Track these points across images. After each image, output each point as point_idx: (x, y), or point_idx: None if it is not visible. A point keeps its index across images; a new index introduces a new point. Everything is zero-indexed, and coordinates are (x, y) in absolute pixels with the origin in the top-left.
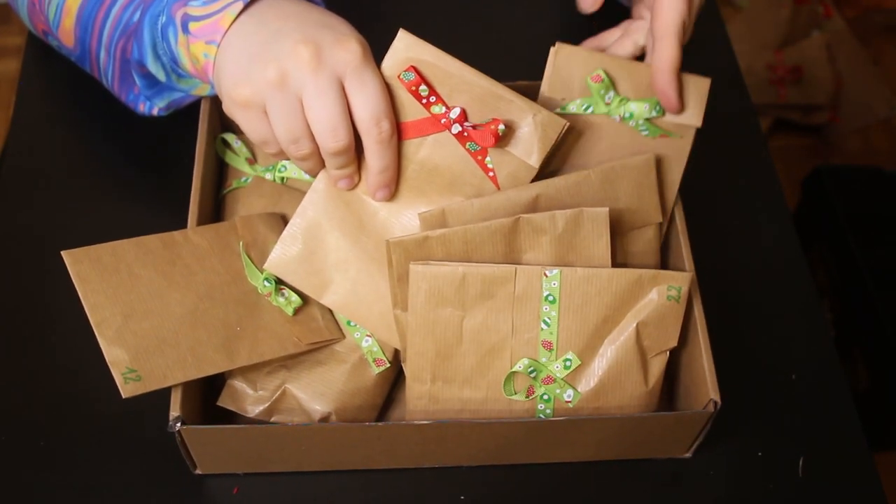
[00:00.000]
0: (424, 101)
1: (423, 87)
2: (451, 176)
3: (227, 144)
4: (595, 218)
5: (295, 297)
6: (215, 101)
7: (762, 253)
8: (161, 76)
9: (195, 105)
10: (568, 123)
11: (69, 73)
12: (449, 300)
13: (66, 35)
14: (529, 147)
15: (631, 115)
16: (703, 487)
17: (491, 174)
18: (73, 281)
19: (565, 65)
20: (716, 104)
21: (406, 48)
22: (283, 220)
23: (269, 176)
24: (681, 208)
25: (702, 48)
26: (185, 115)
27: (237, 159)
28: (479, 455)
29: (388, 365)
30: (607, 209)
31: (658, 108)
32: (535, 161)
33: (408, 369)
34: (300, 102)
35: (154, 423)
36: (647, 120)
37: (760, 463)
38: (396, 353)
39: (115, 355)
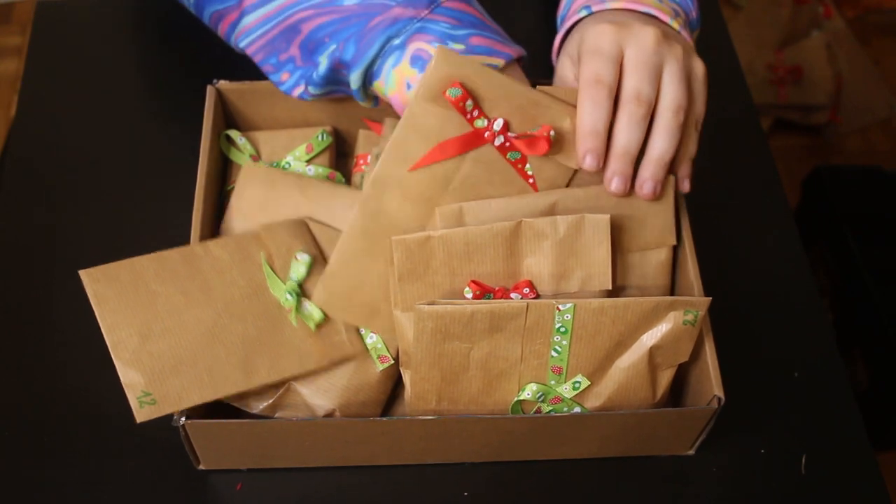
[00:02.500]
0: (469, 115)
1: (468, 102)
2: (492, 189)
3: (230, 141)
4: (596, 224)
5: (317, 312)
6: (219, 98)
7: (764, 252)
8: (355, 85)
9: (199, 102)
10: None
11: (71, 72)
12: (456, 335)
13: None
14: (568, 149)
15: None
16: (705, 484)
17: (531, 181)
18: (91, 301)
19: None
20: (716, 104)
21: (447, 64)
22: (308, 227)
23: None
24: (687, 223)
25: (703, 48)
26: (189, 112)
27: (241, 156)
28: (483, 451)
29: (392, 362)
30: (608, 216)
31: None
32: (575, 163)
33: (411, 391)
34: None
35: (158, 419)
36: None
37: (763, 460)
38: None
39: (130, 378)
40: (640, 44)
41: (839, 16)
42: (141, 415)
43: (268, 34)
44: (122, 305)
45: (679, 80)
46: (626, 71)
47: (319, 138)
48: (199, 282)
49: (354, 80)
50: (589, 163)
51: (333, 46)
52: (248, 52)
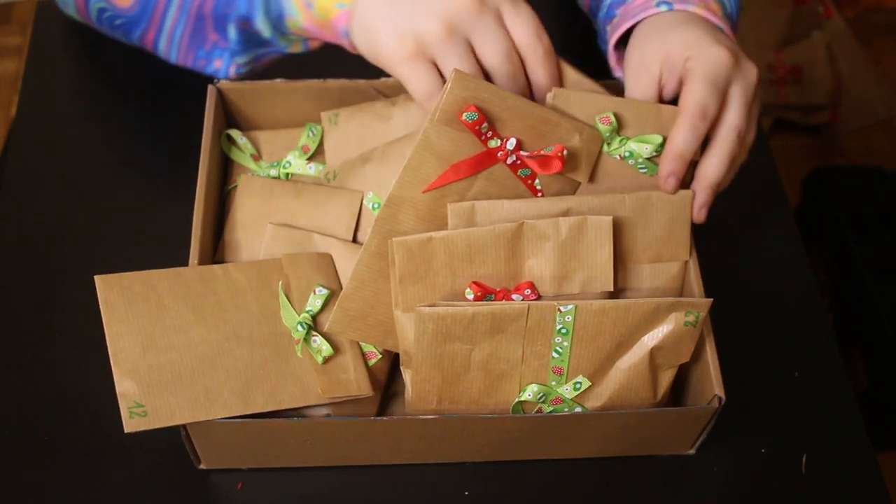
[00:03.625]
0: (483, 137)
1: (484, 124)
2: None
3: (231, 141)
4: (598, 226)
5: (326, 346)
6: (220, 97)
7: (764, 252)
8: (267, 33)
9: (201, 101)
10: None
11: (71, 72)
12: (457, 336)
13: None
14: (577, 164)
15: (631, 154)
16: (706, 484)
17: (540, 195)
18: (101, 307)
19: (563, 108)
20: None
21: (463, 88)
22: (332, 261)
23: (273, 172)
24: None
25: None
26: (190, 111)
27: (242, 156)
28: (484, 451)
29: (381, 356)
30: (611, 217)
31: (658, 147)
32: (583, 177)
33: (412, 391)
34: (469, 45)
35: None
36: (647, 159)
37: (763, 460)
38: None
39: (125, 387)
40: (748, 83)
41: (839, 16)
42: (130, 425)
43: (185, 34)
44: (131, 315)
45: (756, 119)
46: (729, 105)
47: (310, 134)
48: (211, 302)
49: (263, 28)
50: (671, 184)
51: (232, 9)
52: (181, 61)
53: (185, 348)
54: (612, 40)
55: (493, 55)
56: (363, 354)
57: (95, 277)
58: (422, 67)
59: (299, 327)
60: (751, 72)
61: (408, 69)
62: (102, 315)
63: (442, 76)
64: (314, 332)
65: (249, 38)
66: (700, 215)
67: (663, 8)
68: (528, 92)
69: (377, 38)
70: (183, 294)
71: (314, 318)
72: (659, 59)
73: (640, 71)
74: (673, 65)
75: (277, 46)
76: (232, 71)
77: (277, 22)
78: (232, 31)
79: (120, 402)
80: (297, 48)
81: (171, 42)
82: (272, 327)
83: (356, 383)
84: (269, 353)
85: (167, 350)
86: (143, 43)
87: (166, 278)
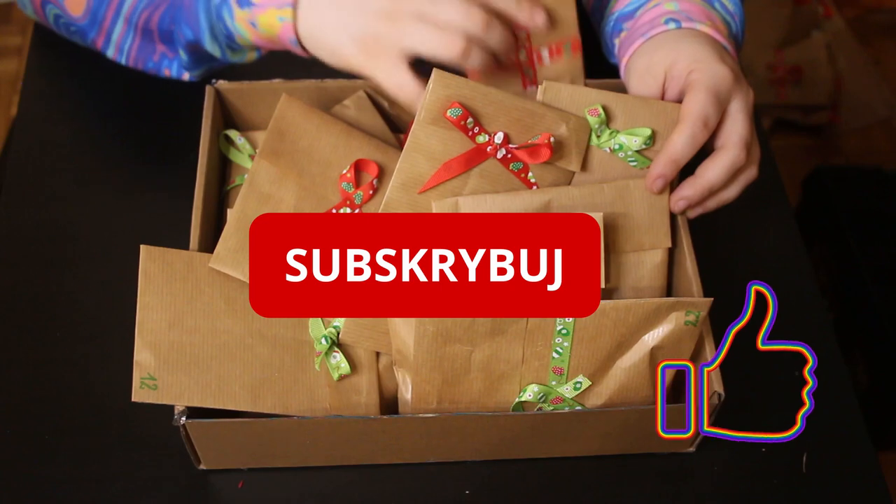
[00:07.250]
0: (470, 132)
1: (469, 119)
2: None
3: (230, 141)
4: None
5: (344, 365)
6: (218, 97)
7: (764, 252)
8: (217, 53)
9: (198, 102)
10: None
11: (71, 72)
12: (457, 338)
13: (74, 4)
14: (567, 153)
15: (621, 147)
16: (706, 482)
17: (535, 188)
18: (139, 276)
19: (553, 102)
20: None
21: (445, 86)
22: None
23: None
24: (686, 222)
25: None
26: (190, 111)
27: (240, 156)
28: (484, 449)
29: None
30: (601, 214)
31: (647, 140)
32: (575, 166)
33: (413, 393)
34: (425, 19)
35: (159, 418)
36: (637, 152)
37: (764, 458)
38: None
39: (143, 357)
40: (747, 101)
41: (839, 16)
42: (139, 395)
43: (134, 44)
44: (165, 290)
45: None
46: (732, 117)
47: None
48: (245, 295)
49: (213, 49)
50: (658, 185)
51: (177, 30)
52: (132, 65)
53: (210, 334)
54: (625, 59)
55: (451, 16)
56: (379, 379)
57: (142, 247)
58: (387, 64)
59: (323, 340)
60: (749, 93)
61: (376, 69)
62: (139, 284)
63: (414, 67)
64: (336, 349)
65: (200, 56)
66: (677, 206)
67: (671, 26)
68: (514, 42)
69: (336, 48)
70: (220, 282)
71: (339, 334)
72: (664, 67)
73: (645, 76)
74: (676, 74)
75: (228, 59)
76: (185, 78)
77: (227, 41)
78: (183, 54)
79: (134, 371)
80: (250, 57)
81: (119, 51)
82: (297, 334)
83: (365, 408)
84: (288, 358)
85: (192, 332)
86: (95, 47)
87: (207, 262)
